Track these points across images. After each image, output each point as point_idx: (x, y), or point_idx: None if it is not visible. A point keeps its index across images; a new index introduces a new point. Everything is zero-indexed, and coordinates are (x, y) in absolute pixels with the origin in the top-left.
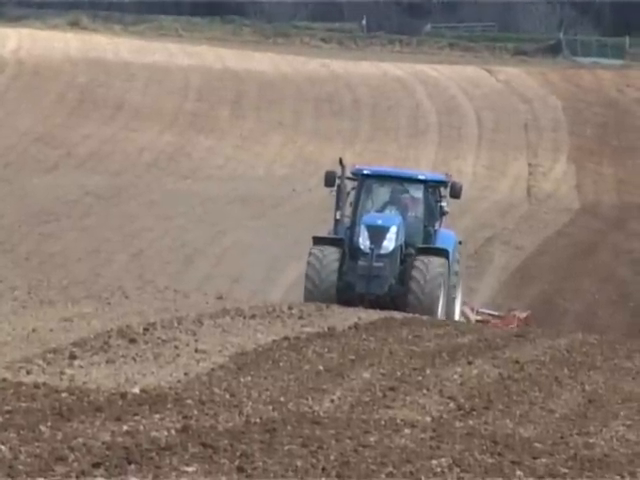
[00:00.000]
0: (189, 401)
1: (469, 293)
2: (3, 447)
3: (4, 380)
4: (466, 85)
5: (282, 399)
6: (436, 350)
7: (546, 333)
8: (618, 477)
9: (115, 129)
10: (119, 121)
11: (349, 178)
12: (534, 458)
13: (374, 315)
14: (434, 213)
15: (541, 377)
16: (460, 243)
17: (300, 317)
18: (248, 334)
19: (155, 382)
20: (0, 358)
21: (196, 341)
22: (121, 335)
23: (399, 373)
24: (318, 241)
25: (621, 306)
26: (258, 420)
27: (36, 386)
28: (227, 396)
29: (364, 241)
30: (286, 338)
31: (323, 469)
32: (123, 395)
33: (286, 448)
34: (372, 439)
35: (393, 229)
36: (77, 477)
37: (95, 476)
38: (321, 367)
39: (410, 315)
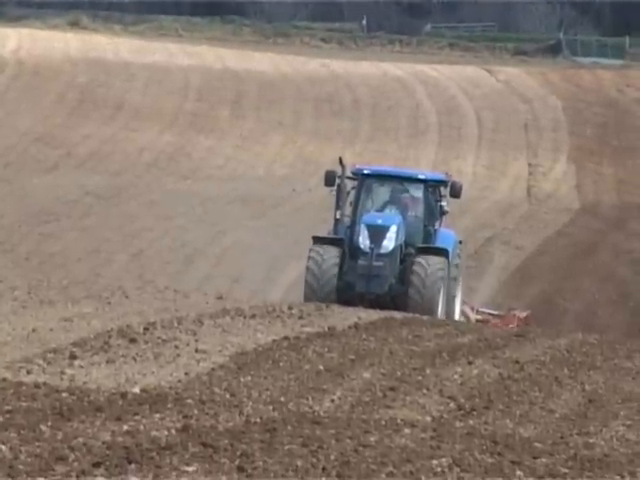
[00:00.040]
0: (189, 401)
1: (469, 293)
2: (3, 447)
3: (4, 380)
4: (466, 85)
5: (282, 399)
6: (436, 350)
7: (546, 333)
8: (618, 477)
9: (115, 129)
10: (119, 121)
11: (349, 178)
12: (534, 458)
13: (374, 315)
14: (434, 213)
15: (541, 377)
16: (460, 243)
17: (300, 317)
18: (248, 334)
19: (155, 382)
20: (0, 358)
21: (196, 341)
22: (121, 335)
23: (399, 373)
24: (318, 241)
25: (621, 306)
26: (258, 420)
27: (36, 386)
28: (227, 396)
29: (364, 240)
30: (286, 338)
31: (323, 469)
32: (123, 395)
33: (286, 448)
34: (372, 439)
35: (393, 228)
36: (77, 477)
37: (95, 476)
38: (321, 367)
39: (410, 315)
